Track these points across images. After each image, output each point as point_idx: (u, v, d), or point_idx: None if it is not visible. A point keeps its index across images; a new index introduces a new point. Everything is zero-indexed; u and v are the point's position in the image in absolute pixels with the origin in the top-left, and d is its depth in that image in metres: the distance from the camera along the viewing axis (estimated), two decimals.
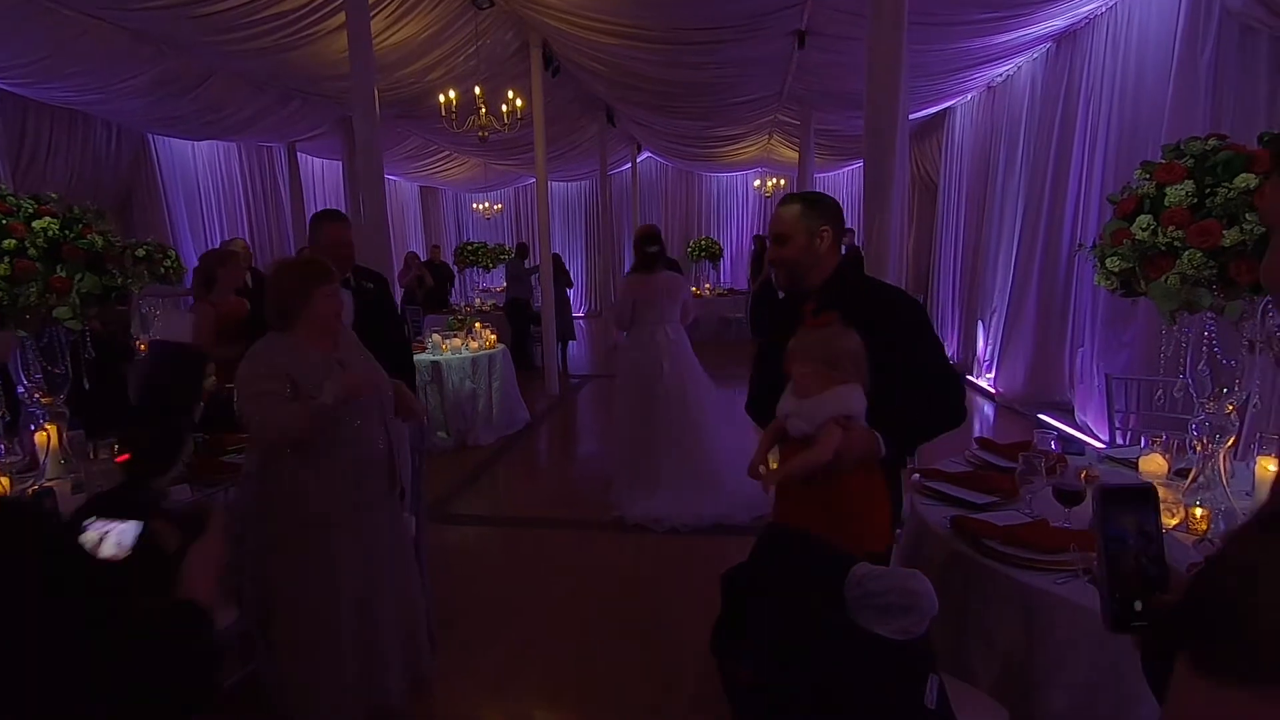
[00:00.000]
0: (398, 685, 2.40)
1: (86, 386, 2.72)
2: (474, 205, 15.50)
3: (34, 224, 2.38)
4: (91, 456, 2.46)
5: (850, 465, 1.70)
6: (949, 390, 1.95)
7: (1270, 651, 0.40)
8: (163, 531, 0.92)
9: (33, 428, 2.59)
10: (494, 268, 13.63)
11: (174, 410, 1.10)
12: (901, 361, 1.86)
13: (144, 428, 1.08)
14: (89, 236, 2.48)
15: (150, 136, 8.08)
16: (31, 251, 2.35)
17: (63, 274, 2.40)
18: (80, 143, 7.17)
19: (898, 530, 2.33)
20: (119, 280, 2.56)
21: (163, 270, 6.68)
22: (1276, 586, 0.41)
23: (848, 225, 12.34)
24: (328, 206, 9.92)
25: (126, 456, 1.05)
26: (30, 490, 2.28)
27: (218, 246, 7.06)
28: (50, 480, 2.48)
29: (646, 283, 4.50)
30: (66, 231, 2.44)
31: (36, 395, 2.58)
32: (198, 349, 1.48)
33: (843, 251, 2.14)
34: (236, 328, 3.56)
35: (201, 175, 8.97)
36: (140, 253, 6.64)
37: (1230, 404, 1.97)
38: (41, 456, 2.56)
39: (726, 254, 14.57)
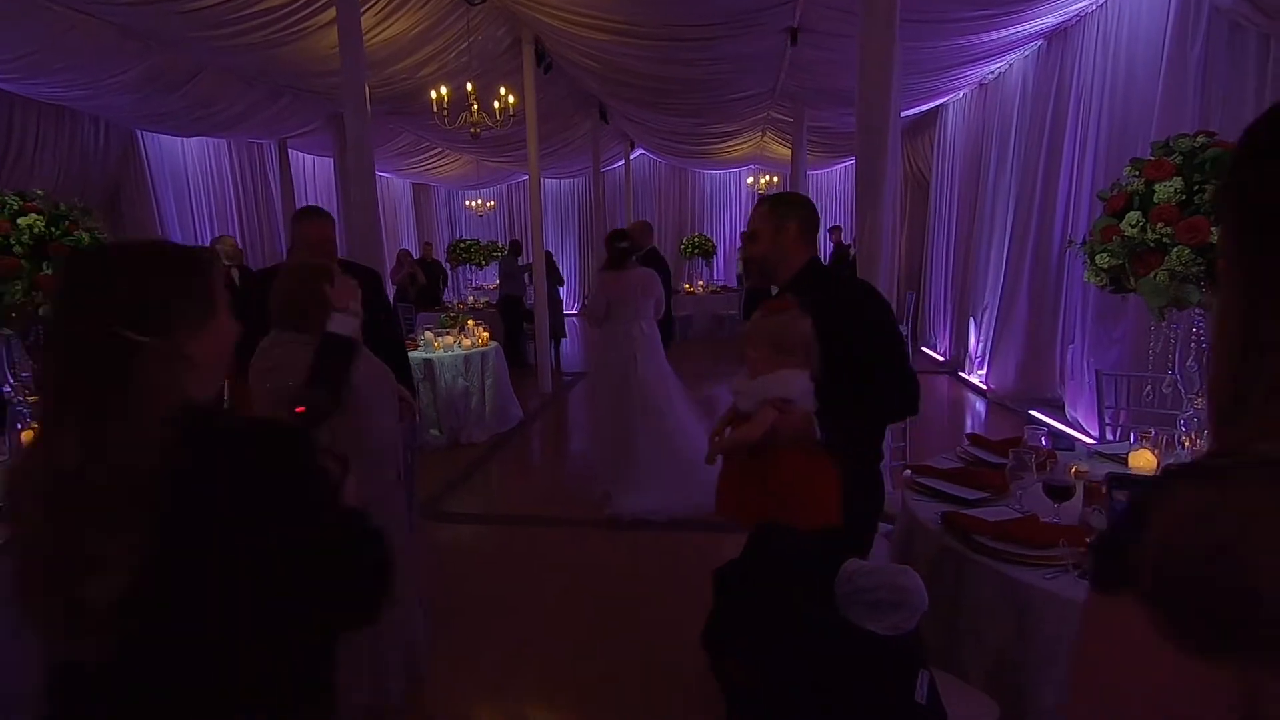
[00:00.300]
0: (397, 685, 2.40)
1: None
2: (467, 202, 15.44)
3: (19, 221, 2.36)
4: None
5: (784, 445, 1.78)
6: (901, 385, 2.01)
7: (1143, 560, 0.49)
8: (330, 464, 1.15)
9: (20, 426, 2.57)
10: (487, 265, 13.60)
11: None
12: (859, 352, 1.92)
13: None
14: (75, 233, 2.45)
15: (139, 133, 8.01)
16: (17, 248, 2.32)
17: (49, 271, 2.38)
18: (68, 139, 7.11)
19: (888, 527, 2.34)
20: None
21: None
22: (1163, 508, 0.50)
23: (836, 223, 12.39)
24: (319, 204, 9.86)
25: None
26: None
27: (208, 244, 7.02)
28: None
29: (619, 279, 4.53)
30: (52, 229, 2.42)
31: (24, 394, 2.56)
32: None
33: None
34: None
35: (191, 172, 8.90)
36: None
37: None
38: None
39: (720, 251, 14.58)
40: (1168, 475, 0.53)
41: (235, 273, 5.94)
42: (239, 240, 9.05)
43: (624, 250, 4.52)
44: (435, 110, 6.57)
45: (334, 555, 1.00)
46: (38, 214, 2.40)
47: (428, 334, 6.24)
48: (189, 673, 0.92)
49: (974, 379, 7.46)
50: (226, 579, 0.91)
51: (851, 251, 9.05)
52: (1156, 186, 2.00)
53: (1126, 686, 0.50)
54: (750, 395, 1.81)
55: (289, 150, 9.82)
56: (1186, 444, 2.04)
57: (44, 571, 0.89)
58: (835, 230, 11.53)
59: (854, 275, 3.37)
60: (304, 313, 2.14)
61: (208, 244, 6.97)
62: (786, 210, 2.08)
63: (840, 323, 1.89)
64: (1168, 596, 0.48)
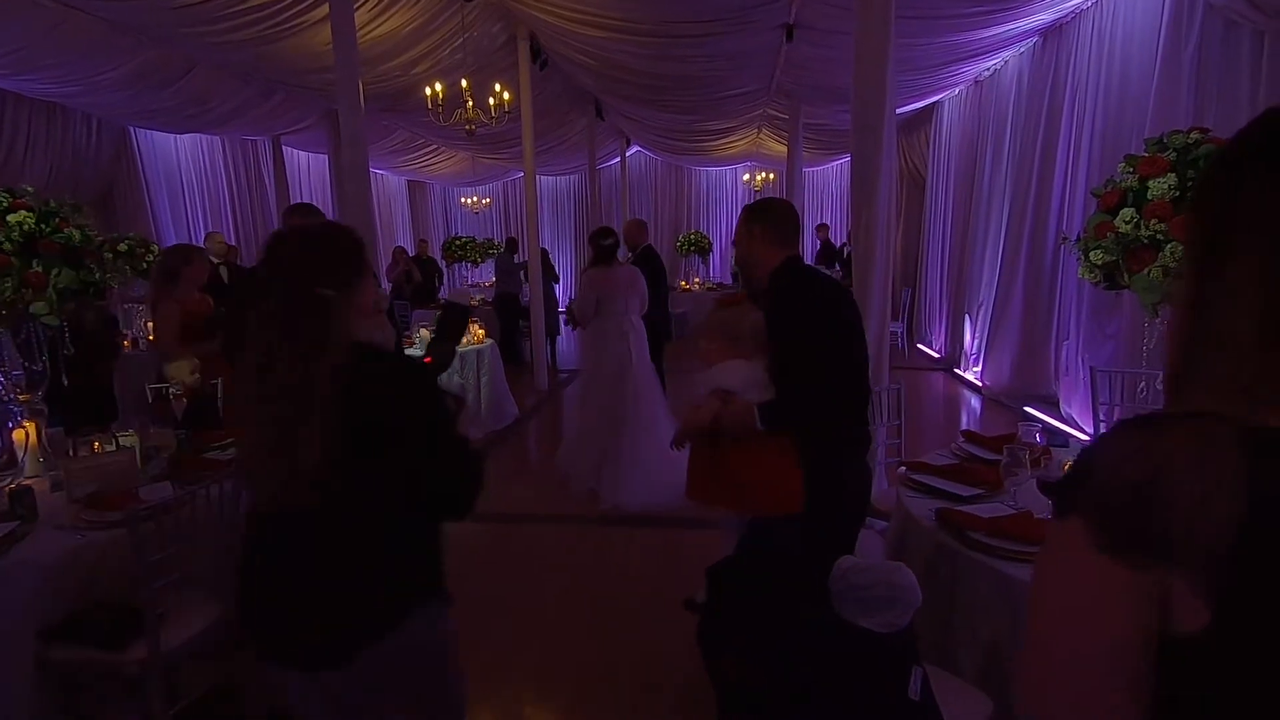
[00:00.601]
0: None
1: (65, 383, 2.68)
2: (462, 199, 15.39)
3: (8, 218, 2.34)
4: (71, 454, 2.42)
5: (728, 433, 1.85)
6: (848, 382, 2.05)
7: (1087, 489, 0.62)
8: (450, 400, 1.46)
9: (11, 425, 2.55)
10: (482, 262, 13.55)
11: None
12: (810, 348, 1.98)
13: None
14: (66, 230, 2.43)
15: (132, 129, 7.96)
16: (6, 246, 2.30)
17: (39, 269, 2.36)
18: (59, 137, 7.07)
19: (882, 524, 2.34)
20: (97, 275, 2.52)
21: (145, 265, 6.60)
22: (1105, 449, 0.62)
23: (831, 220, 12.37)
24: (313, 201, 9.82)
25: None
26: (8, 488, 2.24)
27: (200, 242, 6.99)
28: (29, 478, 2.45)
29: (607, 276, 4.56)
30: (42, 225, 2.39)
31: (14, 391, 2.54)
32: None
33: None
34: (201, 326, 3.55)
35: (185, 169, 8.86)
36: (122, 247, 6.55)
37: None
38: (20, 454, 2.52)
39: (716, 248, 14.58)
40: (1114, 425, 0.65)
41: (224, 270, 5.92)
42: (233, 237, 9.02)
43: (610, 247, 4.56)
44: (430, 107, 6.54)
45: (452, 453, 1.37)
46: (27, 211, 2.38)
47: (423, 331, 6.23)
48: (364, 515, 1.32)
49: (969, 375, 7.47)
50: (386, 460, 1.30)
51: (846, 250, 9.05)
52: (1150, 183, 2.00)
53: (1069, 589, 0.63)
54: (702, 385, 1.90)
55: (283, 147, 9.77)
56: None
57: (271, 447, 1.29)
58: (822, 228, 11.55)
59: (847, 276, 3.37)
60: None
61: (200, 242, 6.94)
62: (755, 217, 2.19)
63: (799, 319, 1.97)
64: (1104, 518, 0.60)
